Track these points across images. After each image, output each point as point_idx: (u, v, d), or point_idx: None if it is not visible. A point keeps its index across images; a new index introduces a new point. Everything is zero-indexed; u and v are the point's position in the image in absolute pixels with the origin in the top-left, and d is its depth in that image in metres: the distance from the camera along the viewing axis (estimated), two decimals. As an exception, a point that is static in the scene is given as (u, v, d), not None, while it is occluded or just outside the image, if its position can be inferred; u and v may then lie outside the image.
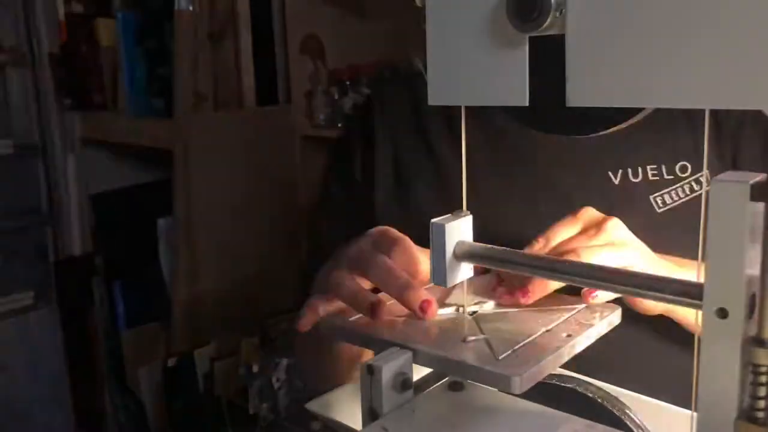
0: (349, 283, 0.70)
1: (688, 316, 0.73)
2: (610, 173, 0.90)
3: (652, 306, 0.70)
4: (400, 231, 0.72)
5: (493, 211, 0.90)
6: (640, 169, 0.89)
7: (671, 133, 0.87)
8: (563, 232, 0.70)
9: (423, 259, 0.71)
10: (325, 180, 1.18)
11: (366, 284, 0.71)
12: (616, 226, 0.70)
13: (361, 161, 1.08)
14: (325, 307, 0.73)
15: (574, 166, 0.91)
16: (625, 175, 0.89)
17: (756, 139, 0.88)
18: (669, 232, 0.78)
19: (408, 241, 0.73)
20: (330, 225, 1.10)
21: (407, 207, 1.01)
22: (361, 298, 0.68)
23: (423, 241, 0.65)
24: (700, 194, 0.85)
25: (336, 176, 1.15)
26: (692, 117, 0.87)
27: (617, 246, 0.68)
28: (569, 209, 0.74)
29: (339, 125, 2.11)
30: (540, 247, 0.70)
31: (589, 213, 0.72)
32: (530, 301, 0.67)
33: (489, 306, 0.69)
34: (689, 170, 0.86)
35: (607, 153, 0.90)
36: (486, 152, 0.96)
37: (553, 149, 0.93)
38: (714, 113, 0.85)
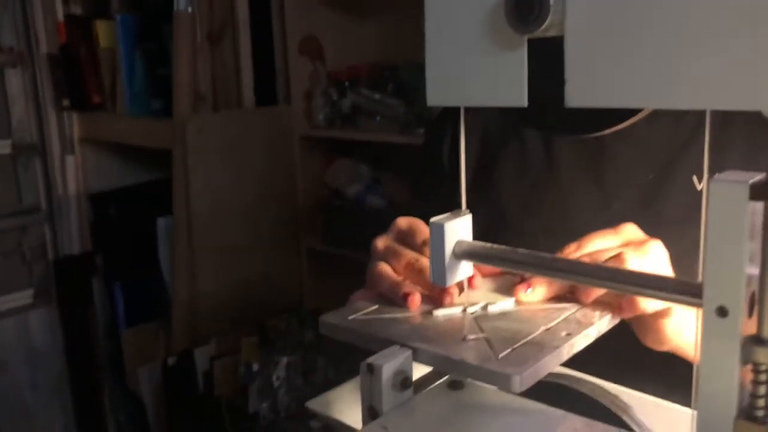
0: (381, 276, 0.71)
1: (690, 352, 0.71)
2: (694, 177, 0.88)
3: (660, 343, 0.68)
4: (479, 219, 0.72)
5: (579, 220, 0.90)
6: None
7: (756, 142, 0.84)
8: (599, 242, 0.68)
9: None
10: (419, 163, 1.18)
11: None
12: (656, 248, 0.67)
13: (450, 146, 1.08)
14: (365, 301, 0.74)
15: (657, 167, 0.89)
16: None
17: None
18: None
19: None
20: (419, 210, 1.10)
21: (488, 195, 1.00)
22: (393, 290, 0.70)
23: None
24: None
25: (426, 160, 1.14)
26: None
27: (651, 265, 0.65)
28: (649, 210, 0.71)
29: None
30: (571, 250, 0.68)
31: (631, 230, 0.69)
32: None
33: (509, 304, 0.68)
34: None
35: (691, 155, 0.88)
36: (568, 160, 0.95)
37: (627, 151, 0.91)
38: None
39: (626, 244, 0.67)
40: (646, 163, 0.89)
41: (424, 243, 0.72)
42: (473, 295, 0.69)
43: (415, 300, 0.67)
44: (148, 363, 2.39)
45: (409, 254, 0.72)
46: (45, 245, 2.67)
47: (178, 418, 2.28)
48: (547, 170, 0.95)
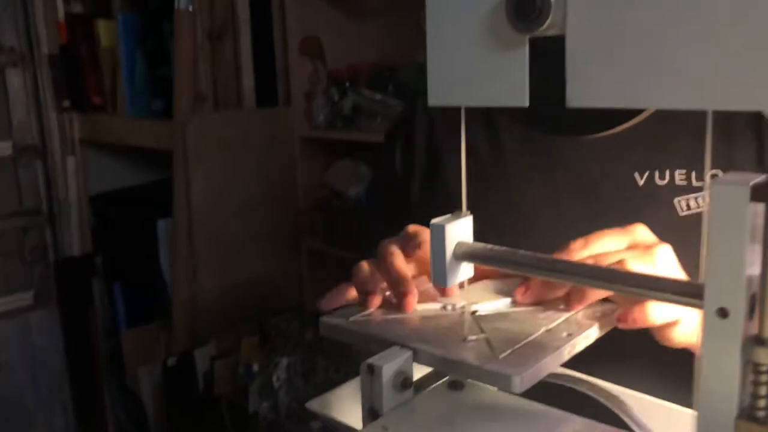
0: (362, 272, 0.73)
1: None
2: (636, 174, 0.88)
3: (671, 344, 0.68)
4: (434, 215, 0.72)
5: (526, 213, 0.91)
6: (667, 173, 0.87)
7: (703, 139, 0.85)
8: (607, 241, 0.68)
9: None
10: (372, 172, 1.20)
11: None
12: (664, 252, 0.66)
13: (402, 154, 1.09)
14: (348, 293, 0.75)
15: (599, 164, 0.90)
16: (651, 177, 0.88)
17: None
18: (689, 235, 0.75)
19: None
20: (371, 218, 1.11)
21: (439, 200, 1.01)
22: (362, 287, 0.72)
23: None
24: None
25: (379, 169, 1.16)
26: (730, 125, 0.85)
27: (657, 270, 0.64)
28: (594, 206, 0.71)
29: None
30: (577, 248, 0.67)
31: (641, 231, 0.69)
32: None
33: (502, 304, 0.68)
34: None
35: (635, 153, 0.89)
36: (515, 155, 0.96)
37: (579, 149, 0.92)
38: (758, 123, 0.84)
39: (633, 246, 0.67)
40: (593, 160, 0.90)
41: (416, 246, 0.72)
42: (470, 296, 0.69)
43: (374, 302, 0.69)
44: (148, 363, 2.39)
45: (387, 252, 0.73)
46: (45, 246, 2.67)
47: (178, 418, 2.28)
48: (496, 164, 0.96)
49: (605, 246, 0.67)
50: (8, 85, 2.54)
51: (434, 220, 0.62)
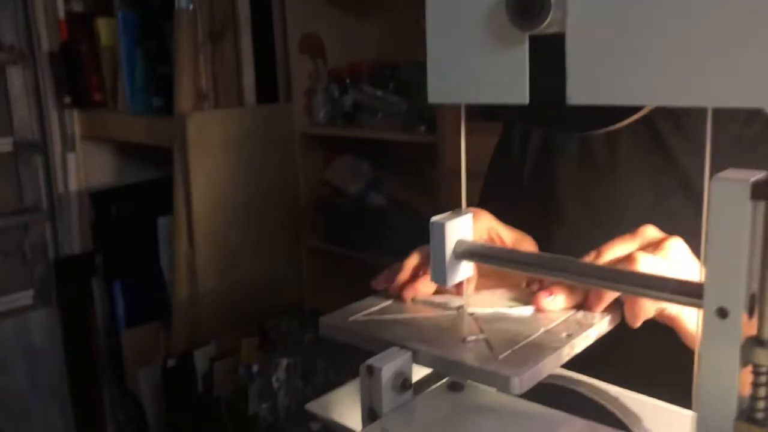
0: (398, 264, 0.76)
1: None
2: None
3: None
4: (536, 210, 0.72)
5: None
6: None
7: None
8: (618, 248, 0.68)
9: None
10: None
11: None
12: (675, 246, 0.67)
13: (520, 138, 1.08)
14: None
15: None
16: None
17: None
18: None
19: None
20: (490, 199, 1.10)
21: (545, 193, 1.00)
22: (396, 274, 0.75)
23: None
24: None
25: (497, 152, 1.14)
26: None
27: (671, 262, 0.65)
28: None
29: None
30: (590, 260, 0.67)
31: (649, 231, 0.69)
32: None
33: (527, 311, 0.68)
34: None
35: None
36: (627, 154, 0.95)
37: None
38: None
39: (644, 247, 0.67)
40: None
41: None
42: (488, 303, 0.69)
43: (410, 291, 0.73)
44: (148, 364, 2.39)
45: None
46: (46, 244, 2.67)
47: (177, 419, 2.28)
48: (607, 164, 0.95)
49: (617, 253, 0.67)
50: (9, 83, 2.54)
51: (434, 218, 0.62)
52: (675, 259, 0.65)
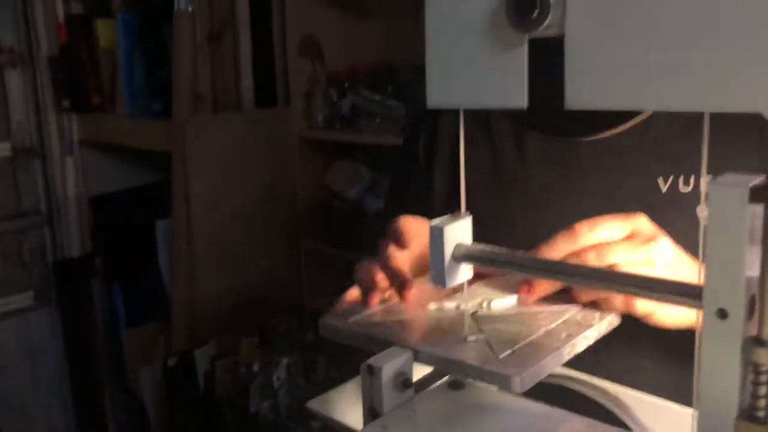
0: (361, 270, 0.75)
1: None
2: (659, 179, 0.87)
3: (670, 322, 0.68)
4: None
5: (538, 215, 0.91)
6: (692, 179, 0.86)
7: (736, 144, 0.83)
8: (609, 227, 0.68)
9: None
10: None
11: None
12: (662, 246, 0.67)
13: (425, 144, 1.08)
14: (353, 294, 0.77)
15: (620, 169, 0.89)
16: (675, 183, 0.86)
17: None
18: None
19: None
20: (394, 209, 1.10)
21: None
22: (368, 285, 0.73)
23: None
24: None
25: (401, 160, 1.15)
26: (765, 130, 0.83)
27: (655, 266, 0.66)
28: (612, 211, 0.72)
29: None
30: (583, 231, 0.68)
31: (641, 221, 0.69)
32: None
33: (510, 302, 0.69)
34: None
35: (659, 158, 0.88)
36: (537, 159, 0.95)
37: (596, 152, 0.91)
38: None
39: (634, 235, 0.68)
40: (617, 166, 0.90)
41: (406, 242, 0.75)
42: (474, 294, 0.70)
43: (374, 300, 0.71)
44: (149, 363, 2.39)
45: (382, 248, 0.76)
46: (44, 247, 2.67)
47: (178, 418, 2.28)
48: (520, 169, 0.96)
49: (607, 231, 0.68)
50: (7, 86, 2.54)
51: (433, 222, 0.62)
52: (660, 264, 0.66)
